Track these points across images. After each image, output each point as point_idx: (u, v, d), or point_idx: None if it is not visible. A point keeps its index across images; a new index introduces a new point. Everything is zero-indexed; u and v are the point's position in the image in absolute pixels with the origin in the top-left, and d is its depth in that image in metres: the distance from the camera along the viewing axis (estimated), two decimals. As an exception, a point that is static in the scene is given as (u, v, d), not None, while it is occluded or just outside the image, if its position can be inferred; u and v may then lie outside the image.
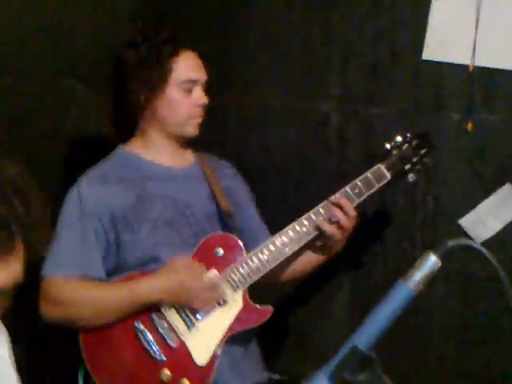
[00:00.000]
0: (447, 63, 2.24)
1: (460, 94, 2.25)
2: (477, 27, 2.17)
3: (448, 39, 2.21)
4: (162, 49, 1.78)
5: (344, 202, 1.81)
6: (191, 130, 1.85)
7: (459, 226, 2.31)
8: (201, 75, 1.84)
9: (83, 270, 1.70)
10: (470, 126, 2.24)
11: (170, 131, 1.84)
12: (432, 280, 1.04)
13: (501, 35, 2.16)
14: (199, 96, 1.82)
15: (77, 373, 1.68)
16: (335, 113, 2.44)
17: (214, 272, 1.75)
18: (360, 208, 2.37)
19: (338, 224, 1.81)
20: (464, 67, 2.21)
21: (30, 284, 1.06)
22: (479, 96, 2.23)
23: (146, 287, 1.67)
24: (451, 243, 1.01)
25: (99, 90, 2.29)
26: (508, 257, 2.30)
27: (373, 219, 2.45)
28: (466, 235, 2.30)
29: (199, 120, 1.85)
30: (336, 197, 1.83)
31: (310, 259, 1.90)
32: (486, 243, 2.29)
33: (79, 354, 1.65)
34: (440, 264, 1.01)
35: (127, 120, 1.88)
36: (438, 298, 2.39)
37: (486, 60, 2.17)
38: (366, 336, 1.03)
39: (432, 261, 1.01)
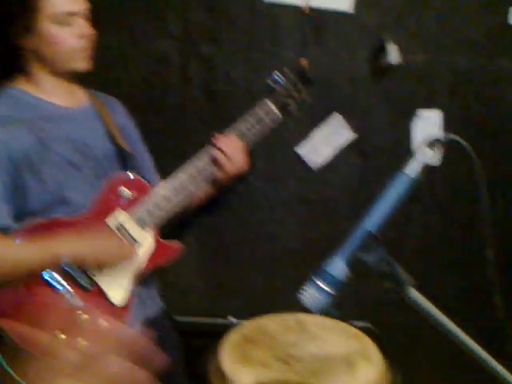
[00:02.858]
0: (283, 4, 2.43)
1: (294, 33, 2.47)
2: (312, -30, 2.39)
3: (285, -19, 2.40)
4: None
5: (221, 141, 1.82)
6: (81, 63, 1.72)
7: (296, 154, 2.57)
8: (79, 6, 1.69)
9: None
10: (304, 62, 2.48)
11: (58, 69, 1.71)
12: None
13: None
14: (81, 27, 1.69)
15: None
16: (176, 52, 2.50)
17: (121, 212, 1.74)
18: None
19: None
20: (298, 8, 2.43)
21: None
22: (312, 35, 2.48)
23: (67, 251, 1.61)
24: (438, 137, 1.23)
25: None
26: (339, 180, 2.63)
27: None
28: (303, 162, 2.57)
29: (88, 52, 1.73)
30: (217, 136, 1.84)
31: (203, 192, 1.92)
32: (321, 169, 2.59)
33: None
34: (431, 153, 1.24)
35: (11, 62, 1.70)
36: (279, 221, 2.66)
37: (318, 1, 2.41)
38: (374, 221, 1.21)
39: (425, 151, 1.24)
